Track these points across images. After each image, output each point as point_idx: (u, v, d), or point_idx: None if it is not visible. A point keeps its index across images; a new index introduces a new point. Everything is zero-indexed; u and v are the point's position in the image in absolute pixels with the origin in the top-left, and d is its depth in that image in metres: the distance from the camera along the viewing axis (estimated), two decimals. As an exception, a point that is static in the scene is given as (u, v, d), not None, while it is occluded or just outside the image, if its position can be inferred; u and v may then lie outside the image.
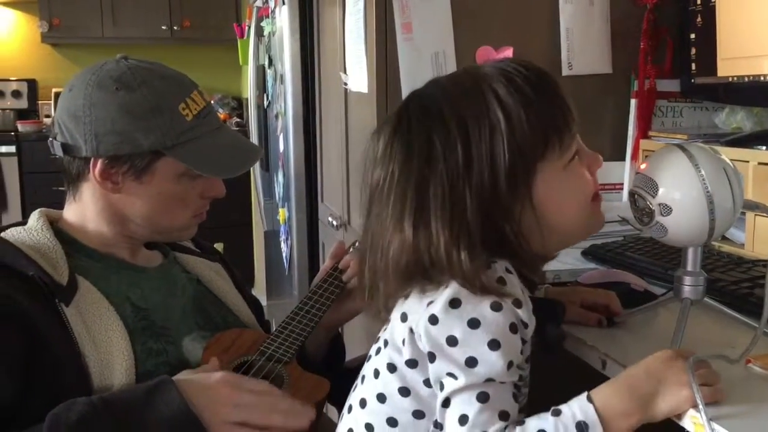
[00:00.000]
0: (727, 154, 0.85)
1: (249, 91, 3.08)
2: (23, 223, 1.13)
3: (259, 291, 3.57)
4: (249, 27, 3.10)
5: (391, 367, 0.83)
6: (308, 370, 1.14)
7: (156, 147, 1.08)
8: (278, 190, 2.80)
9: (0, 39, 4.85)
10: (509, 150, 0.78)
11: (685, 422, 0.73)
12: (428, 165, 0.79)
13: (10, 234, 1.09)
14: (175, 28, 4.68)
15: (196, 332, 1.14)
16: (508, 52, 1.58)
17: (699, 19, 1.54)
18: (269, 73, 2.85)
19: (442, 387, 0.77)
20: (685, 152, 0.82)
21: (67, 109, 1.09)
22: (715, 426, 0.69)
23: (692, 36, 1.57)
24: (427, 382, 0.79)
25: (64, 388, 0.97)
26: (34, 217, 1.13)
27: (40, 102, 4.80)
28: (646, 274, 1.13)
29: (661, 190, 0.82)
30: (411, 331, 0.80)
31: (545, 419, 0.73)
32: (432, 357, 0.78)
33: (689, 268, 0.88)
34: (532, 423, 0.74)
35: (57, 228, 1.12)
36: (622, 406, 0.73)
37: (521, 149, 0.79)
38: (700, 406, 0.70)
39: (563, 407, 0.74)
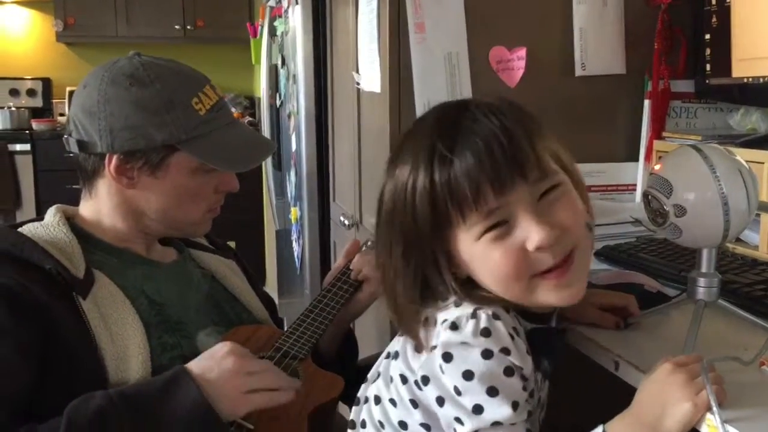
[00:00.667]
0: (741, 155, 0.85)
1: (261, 91, 3.09)
2: (40, 219, 1.14)
3: (271, 289, 3.57)
4: (262, 26, 3.11)
5: (403, 379, 0.84)
6: (322, 368, 1.15)
7: (170, 141, 1.09)
8: (290, 189, 2.81)
9: (15, 38, 4.88)
10: (424, 211, 0.77)
11: (699, 424, 0.72)
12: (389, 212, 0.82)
13: (28, 229, 1.10)
14: (188, 27, 4.70)
15: (210, 327, 1.15)
16: (522, 53, 1.58)
17: (714, 20, 1.53)
18: (282, 72, 2.86)
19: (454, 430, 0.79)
20: (700, 153, 0.82)
21: (81, 106, 1.10)
22: (729, 428, 0.69)
23: (707, 36, 1.56)
24: (439, 400, 0.79)
25: (80, 381, 0.99)
26: (51, 213, 1.14)
27: (54, 101, 4.82)
28: (659, 276, 1.13)
29: (675, 191, 0.82)
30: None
31: None
32: (441, 401, 0.79)
33: (703, 269, 0.87)
34: None
35: (73, 224, 1.14)
36: None
37: (434, 213, 0.77)
38: (714, 409, 0.70)
39: None
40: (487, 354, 0.75)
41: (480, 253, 0.77)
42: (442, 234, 0.78)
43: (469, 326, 0.76)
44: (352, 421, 0.94)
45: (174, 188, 1.12)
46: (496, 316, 0.77)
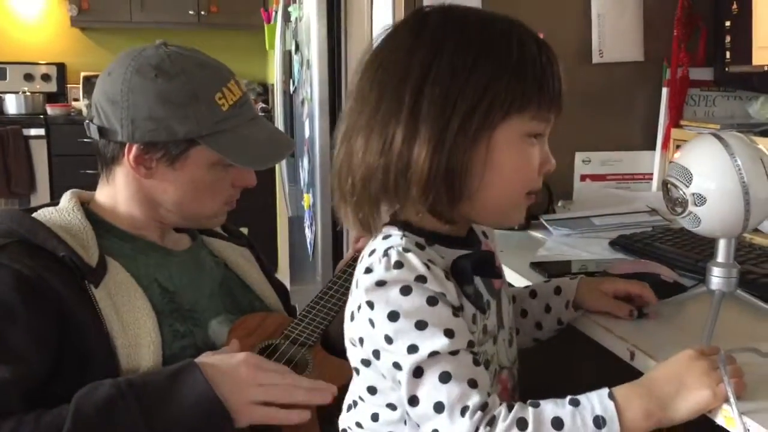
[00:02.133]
0: (761, 144, 0.84)
1: (275, 77, 3.08)
2: (55, 203, 1.14)
3: (283, 276, 3.58)
4: (276, 12, 3.10)
5: (352, 342, 0.83)
6: (332, 354, 1.15)
7: (191, 135, 1.08)
8: (303, 176, 2.80)
9: (30, 23, 4.89)
10: (497, 87, 0.77)
11: (717, 416, 0.72)
12: (429, 73, 0.78)
13: (42, 214, 1.10)
14: (202, 13, 4.69)
15: (222, 315, 1.15)
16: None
17: (734, 7, 1.51)
18: (296, 58, 2.85)
19: (399, 384, 0.76)
20: (721, 141, 0.81)
21: (105, 93, 1.10)
22: (747, 420, 0.68)
23: (727, 23, 1.54)
24: (375, 354, 0.78)
25: (92, 368, 0.99)
26: (66, 198, 1.14)
27: (68, 85, 4.84)
28: (676, 266, 1.12)
29: (695, 180, 0.81)
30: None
31: (562, 407, 0.72)
32: (377, 354, 0.78)
33: (721, 259, 0.86)
34: (549, 408, 0.72)
35: (88, 209, 1.14)
36: (642, 406, 0.72)
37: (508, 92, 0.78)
38: (732, 400, 0.69)
39: (582, 398, 0.73)
40: (405, 290, 0.75)
41: (518, 150, 0.80)
42: (509, 111, 0.78)
43: (381, 264, 0.77)
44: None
45: (191, 181, 1.12)
46: (406, 250, 0.77)
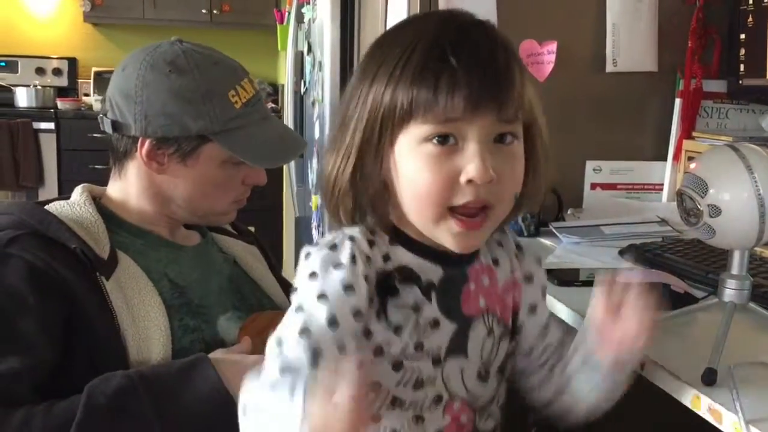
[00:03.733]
0: (777, 157, 0.83)
1: (286, 77, 3.08)
2: (66, 197, 1.15)
3: (288, 276, 3.57)
4: (289, 13, 3.11)
5: None
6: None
7: (203, 132, 1.09)
8: (312, 177, 2.80)
9: (43, 18, 4.91)
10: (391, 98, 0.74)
11: (725, 425, 0.72)
12: (349, 86, 0.79)
13: (54, 207, 1.10)
14: (214, 12, 4.70)
15: (231, 312, 1.15)
16: (552, 46, 1.56)
17: (750, 19, 1.51)
18: (307, 59, 2.85)
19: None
20: (738, 153, 0.81)
21: (119, 87, 1.11)
22: (754, 429, 0.68)
23: (742, 37, 1.54)
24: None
25: (101, 360, 0.99)
26: (78, 192, 1.14)
27: (79, 80, 4.85)
28: (686, 277, 1.11)
29: (710, 191, 0.81)
30: None
31: None
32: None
33: (735, 271, 0.86)
34: None
35: (99, 204, 1.14)
36: None
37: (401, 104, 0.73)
38: (739, 411, 0.69)
39: None
40: (312, 276, 0.74)
41: (415, 157, 0.74)
42: (405, 120, 0.74)
43: (325, 239, 0.77)
44: None
45: (202, 178, 1.12)
46: (351, 238, 0.76)
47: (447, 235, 0.76)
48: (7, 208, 1.08)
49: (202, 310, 1.12)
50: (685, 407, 0.78)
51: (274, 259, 1.39)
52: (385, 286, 0.76)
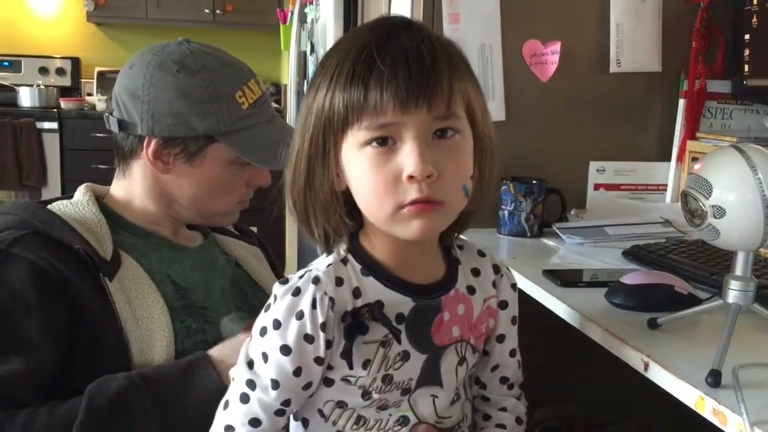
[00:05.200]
0: (783, 158, 0.83)
1: (289, 77, 3.08)
2: (69, 196, 1.14)
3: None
4: (292, 13, 3.11)
5: None
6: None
7: (210, 132, 1.09)
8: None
9: (46, 17, 4.91)
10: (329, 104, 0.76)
11: (729, 427, 0.71)
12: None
13: (57, 207, 1.10)
14: (217, 12, 4.70)
15: (234, 313, 1.15)
16: (556, 47, 1.56)
17: (755, 20, 1.50)
18: (311, 59, 2.85)
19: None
20: (742, 153, 0.80)
21: (126, 86, 1.11)
22: (758, 431, 0.68)
23: (746, 37, 1.54)
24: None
25: (104, 362, 0.99)
26: (81, 192, 1.14)
27: (83, 80, 4.85)
28: (690, 278, 1.11)
29: (715, 192, 0.80)
30: None
31: None
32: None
33: (739, 272, 0.85)
34: None
35: (102, 204, 1.14)
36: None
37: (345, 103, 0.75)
38: (744, 413, 0.69)
39: None
40: (276, 324, 0.77)
41: (358, 162, 0.75)
42: (343, 127, 0.75)
43: (292, 279, 0.79)
44: None
45: (207, 178, 1.12)
46: (316, 280, 0.78)
47: (403, 227, 0.76)
48: (10, 208, 1.08)
49: (205, 312, 1.12)
50: (690, 409, 0.78)
51: (276, 260, 1.39)
52: (355, 325, 0.77)
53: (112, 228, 1.10)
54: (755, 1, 1.49)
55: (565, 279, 1.14)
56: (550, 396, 0.93)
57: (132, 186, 1.15)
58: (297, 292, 0.78)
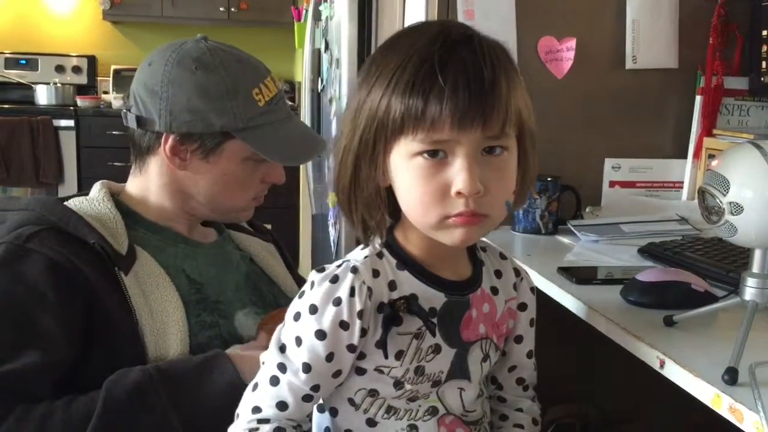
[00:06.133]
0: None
1: (303, 75, 3.09)
2: (85, 193, 1.15)
3: (305, 274, 3.57)
4: (307, 10, 3.11)
5: None
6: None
7: (227, 129, 1.10)
8: (328, 174, 2.81)
9: (62, 16, 4.95)
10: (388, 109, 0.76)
11: (746, 425, 0.71)
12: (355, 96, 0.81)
13: (73, 203, 1.11)
14: (232, 9, 4.71)
15: (248, 308, 1.16)
16: (571, 43, 1.55)
17: (772, 16, 1.49)
18: (325, 57, 2.85)
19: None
20: (760, 150, 0.79)
21: (144, 83, 1.11)
22: (777, 431, 0.67)
23: (764, 33, 1.52)
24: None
25: (120, 355, 1.00)
26: (96, 188, 1.15)
27: (99, 78, 4.88)
28: (706, 275, 1.10)
29: (732, 188, 0.79)
30: None
31: None
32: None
33: (757, 270, 0.85)
34: None
35: (117, 200, 1.15)
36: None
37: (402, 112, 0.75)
38: (761, 410, 0.68)
39: None
40: (312, 309, 0.78)
41: (407, 170, 0.77)
42: (397, 134, 0.76)
43: (329, 268, 0.80)
44: None
45: (223, 174, 1.13)
46: (354, 270, 0.79)
47: (446, 234, 0.78)
48: (27, 204, 1.10)
49: (220, 306, 1.13)
50: (706, 406, 0.77)
51: (290, 256, 1.40)
52: (392, 316, 0.79)
53: (127, 224, 1.11)
54: (773, -3, 1.48)
55: (580, 276, 1.14)
56: (563, 394, 0.93)
57: (148, 182, 1.16)
58: (335, 279, 0.79)
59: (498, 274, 0.91)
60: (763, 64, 1.53)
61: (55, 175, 4.35)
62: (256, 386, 0.82)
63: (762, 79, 1.55)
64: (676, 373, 0.82)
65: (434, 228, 0.78)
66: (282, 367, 0.80)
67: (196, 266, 1.15)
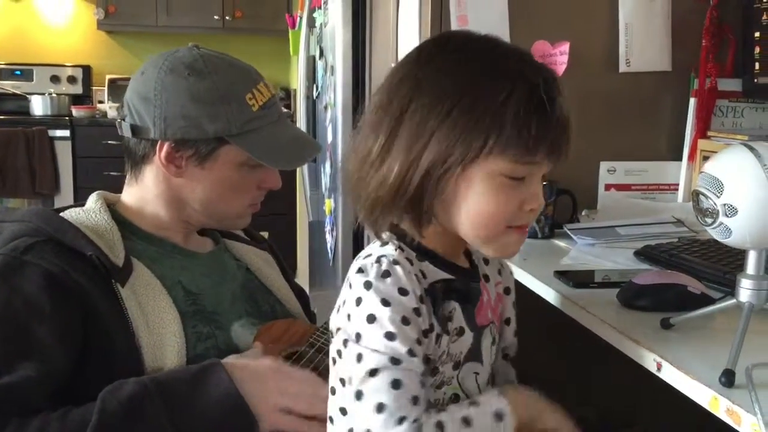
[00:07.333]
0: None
1: (298, 82, 3.09)
2: (81, 204, 1.15)
3: (302, 281, 3.56)
4: (301, 18, 3.12)
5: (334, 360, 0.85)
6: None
7: (221, 134, 1.10)
8: (325, 181, 2.81)
9: (57, 26, 4.95)
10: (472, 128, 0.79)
11: (744, 427, 0.71)
12: (412, 102, 0.81)
13: (69, 214, 1.11)
14: (227, 18, 4.72)
15: (245, 318, 1.16)
16: (565, 47, 1.55)
17: (764, 17, 1.50)
18: (319, 64, 2.86)
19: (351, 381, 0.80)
20: (753, 152, 0.79)
21: (138, 92, 1.12)
22: (775, 433, 0.67)
23: (756, 35, 1.53)
24: (344, 343, 0.82)
25: (117, 367, 1.00)
26: (93, 199, 1.15)
27: (94, 88, 4.88)
28: (703, 277, 1.10)
29: (726, 190, 0.80)
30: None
31: (467, 407, 0.82)
32: (345, 344, 0.82)
33: (751, 271, 0.85)
34: (455, 410, 0.82)
35: (114, 211, 1.15)
36: (524, 405, 0.87)
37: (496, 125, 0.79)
38: (758, 412, 0.69)
39: (479, 399, 0.85)
40: (385, 302, 0.79)
41: (489, 185, 0.81)
42: (491, 148, 0.79)
43: (373, 268, 0.81)
44: None
45: (219, 180, 1.13)
46: (395, 262, 0.82)
47: (498, 246, 0.85)
48: (23, 216, 1.09)
49: (216, 317, 1.12)
50: (701, 410, 0.77)
51: (286, 265, 1.39)
52: (438, 298, 0.84)
53: (123, 235, 1.10)
54: (765, -1, 1.49)
55: (576, 280, 1.14)
56: (561, 397, 0.93)
57: (144, 191, 1.16)
58: (387, 274, 0.81)
59: (486, 261, 0.98)
60: (756, 65, 1.54)
61: (51, 186, 4.34)
62: (381, 408, 0.78)
63: (755, 80, 1.55)
64: (673, 376, 0.82)
65: (491, 237, 0.84)
66: (395, 362, 0.78)
67: (192, 277, 1.14)
